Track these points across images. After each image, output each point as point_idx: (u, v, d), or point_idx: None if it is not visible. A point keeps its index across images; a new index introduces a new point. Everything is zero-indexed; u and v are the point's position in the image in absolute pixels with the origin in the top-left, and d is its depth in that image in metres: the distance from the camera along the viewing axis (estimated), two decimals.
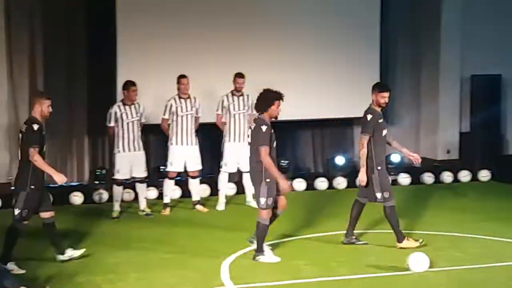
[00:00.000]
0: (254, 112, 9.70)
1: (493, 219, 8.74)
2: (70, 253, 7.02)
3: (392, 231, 7.37)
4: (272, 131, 7.05)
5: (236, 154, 9.69)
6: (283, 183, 6.99)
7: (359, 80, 11.65)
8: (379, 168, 7.28)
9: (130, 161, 9.17)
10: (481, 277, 6.44)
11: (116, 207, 9.25)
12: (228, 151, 9.71)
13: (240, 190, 10.36)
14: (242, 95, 9.74)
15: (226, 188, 10.03)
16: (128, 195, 9.97)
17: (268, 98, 7.02)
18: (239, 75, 9.72)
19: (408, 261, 6.60)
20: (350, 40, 11.79)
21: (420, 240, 7.33)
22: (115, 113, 9.09)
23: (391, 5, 12.28)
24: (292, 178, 11.27)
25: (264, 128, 6.94)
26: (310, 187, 11.29)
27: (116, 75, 10.58)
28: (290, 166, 11.68)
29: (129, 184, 9.67)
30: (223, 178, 9.84)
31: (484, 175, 11.67)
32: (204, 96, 10.06)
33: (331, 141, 12.48)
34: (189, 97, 9.48)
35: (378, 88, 7.51)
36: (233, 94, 9.72)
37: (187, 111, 9.43)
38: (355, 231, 7.58)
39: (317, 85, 11.62)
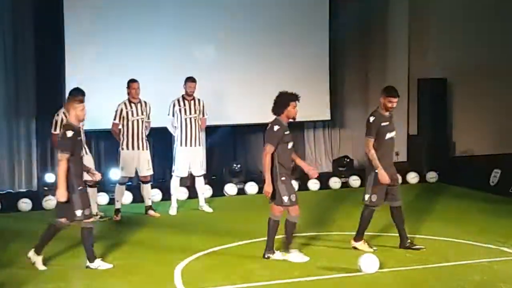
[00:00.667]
0: (206, 116, 9.84)
1: (441, 220, 8.96)
2: (99, 263, 6.96)
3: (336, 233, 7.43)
4: (287, 132, 7.07)
5: (187, 158, 9.67)
6: (267, 184, 7.05)
7: (310, 85, 11.83)
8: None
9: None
10: (428, 277, 6.58)
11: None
12: (179, 156, 9.67)
13: (192, 194, 10.34)
14: (193, 99, 9.73)
15: (178, 192, 10.00)
16: None
17: (284, 100, 7.14)
18: (191, 79, 9.71)
19: (359, 262, 6.70)
20: (300, 46, 11.95)
21: (375, 248, 7.43)
22: (62, 120, 8.93)
23: (340, 11, 12.48)
24: (244, 182, 11.33)
25: (276, 128, 7.05)
26: (262, 190, 11.28)
27: (65, 81, 10.48)
28: (243, 170, 11.72)
29: None
30: (175, 183, 9.80)
31: (432, 176, 11.94)
32: (155, 101, 10.01)
33: None
34: (139, 102, 9.42)
35: (386, 92, 7.48)
36: (184, 99, 9.69)
37: (137, 115, 9.36)
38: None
39: (268, 89, 11.64)
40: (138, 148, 9.38)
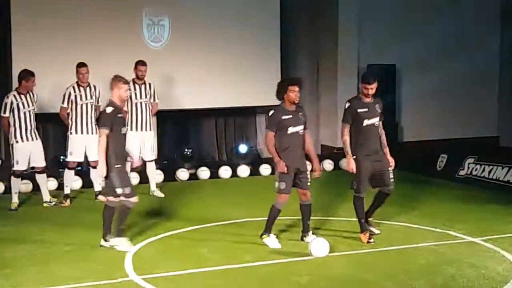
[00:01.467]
0: (157, 101, 9.77)
1: (389, 204, 8.98)
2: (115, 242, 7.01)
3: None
4: (285, 117, 7.00)
5: (138, 143, 9.59)
6: (278, 166, 7.01)
7: (261, 70, 11.88)
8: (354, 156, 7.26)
9: (28, 151, 8.88)
10: (377, 260, 6.71)
11: (15, 199, 8.95)
12: (130, 140, 9.52)
13: (144, 180, 10.26)
14: (144, 83, 9.63)
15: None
16: (26, 186, 9.67)
17: (283, 85, 7.16)
18: (141, 63, 9.62)
19: (310, 246, 6.79)
20: (252, 31, 11.96)
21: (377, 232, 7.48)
22: (11, 102, 8.76)
23: None
24: (197, 167, 11.30)
25: (270, 113, 7.10)
26: (214, 175, 11.34)
27: (11, 64, 10.24)
28: (195, 155, 11.69)
29: (26, 175, 9.37)
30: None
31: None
32: (106, 84, 9.85)
33: (234, 129, 12.59)
34: (88, 85, 9.27)
35: (362, 78, 7.49)
36: (134, 83, 9.59)
37: (86, 99, 9.21)
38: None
39: (220, 74, 11.70)
40: (88, 133, 9.25)
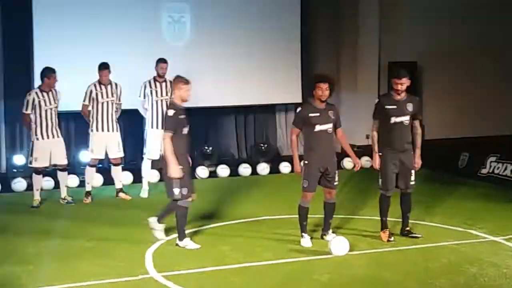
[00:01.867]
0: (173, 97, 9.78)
1: (413, 203, 9.04)
2: (187, 242, 7.08)
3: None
4: (313, 114, 6.98)
5: (158, 141, 9.60)
6: (295, 164, 7.09)
7: (281, 68, 11.89)
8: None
9: (49, 148, 8.95)
10: (397, 259, 6.67)
11: (36, 196, 9.03)
12: (150, 138, 9.62)
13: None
14: (165, 81, 9.66)
15: (149, 175, 9.96)
16: (48, 183, 9.76)
17: (311, 82, 7.17)
18: (162, 61, 9.65)
19: (330, 245, 6.77)
20: (273, 29, 11.95)
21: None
22: (33, 100, 8.84)
23: None
24: (216, 165, 11.33)
25: (298, 109, 7.20)
26: (234, 173, 11.35)
27: (33, 62, 10.34)
28: (215, 153, 11.71)
29: (49, 172, 9.46)
30: (146, 165, 9.77)
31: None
32: (127, 83, 9.93)
33: (254, 127, 12.59)
34: (110, 83, 9.32)
35: (394, 73, 7.36)
36: (155, 80, 9.62)
37: (107, 97, 9.27)
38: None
39: (240, 72, 11.72)
40: (108, 130, 9.31)
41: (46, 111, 8.87)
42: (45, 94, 8.88)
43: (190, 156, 11.55)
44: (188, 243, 7.04)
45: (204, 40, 11.53)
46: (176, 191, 6.96)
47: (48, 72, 8.88)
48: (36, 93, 8.89)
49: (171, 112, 6.96)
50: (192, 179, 7.27)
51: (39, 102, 8.84)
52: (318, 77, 7.24)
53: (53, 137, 8.98)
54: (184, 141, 7.04)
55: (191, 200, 7.13)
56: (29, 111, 8.87)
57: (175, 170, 6.89)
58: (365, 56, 12.65)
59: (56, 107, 9.01)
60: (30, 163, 9.03)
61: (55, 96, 8.98)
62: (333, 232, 7.27)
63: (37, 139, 8.90)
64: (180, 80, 7.12)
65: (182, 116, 7.02)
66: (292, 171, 11.27)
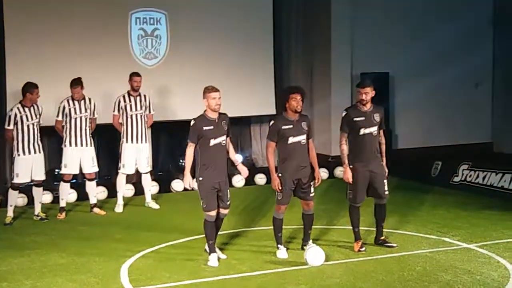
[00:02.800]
0: (152, 112, 9.79)
1: (387, 212, 9.12)
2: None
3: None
4: (286, 127, 7.00)
5: (134, 155, 9.61)
6: (272, 179, 7.06)
7: (255, 80, 11.94)
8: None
9: (30, 164, 8.88)
10: (372, 268, 6.71)
11: (10, 212, 8.94)
12: (126, 153, 9.59)
13: (139, 191, 10.27)
14: (139, 95, 9.65)
15: (124, 190, 9.92)
16: (21, 200, 9.66)
17: (284, 94, 7.15)
18: (136, 74, 9.66)
19: (305, 255, 6.80)
20: (245, 42, 12.00)
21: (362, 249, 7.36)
22: (15, 115, 8.77)
23: (284, 3, 12.58)
24: (192, 177, 11.28)
25: (271, 122, 7.15)
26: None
27: (5, 78, 10.26)
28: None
29: (22, 188, 9.36)
30: (121, 180, 9.72)
31: None
32: (100, 97, 9.90)
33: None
34: (83, 99, 9.27)
35: (357, 84, 7.46)
36: (129, 95, 9.61)
37: (81, 112, 9.22)
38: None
39: (213, 85, 11.69)
40: (82, 145, 9.25)
41: (28, 126, 8.81)
42: (26, 109, 8.83)
43: (168, 170, 11.61)
44: (210, 259, 6.89)
45: (178, 52, 11.54)
46: (201, 202, 6.93)
47: (30, 87, 8.82)
48: (18, 108, 8.82)
49: (192, 122, 6.93)
50: (224, 194, 7.00)
51: (21, 117, 8.77)
52: (292, 88, 7.30)
53: (35, 152, 8.91)
54: (211, 153, 6.86)
55: (214, 215, 6.96)
56: (11, 127, 8.79)
57: (185, 180, 6.93)
58: (337, 67, 12.74)
59: (38, 122, 8.95)
60: (12, 179, 8.94)
61: (37, 111, 8.92)
62: (312, 243, 7.28)
63: (19, 154, 8.82)
64: (206, 88, 7.06)
65: (208, 128, 6.87)
66: (267, 182, 11.32)
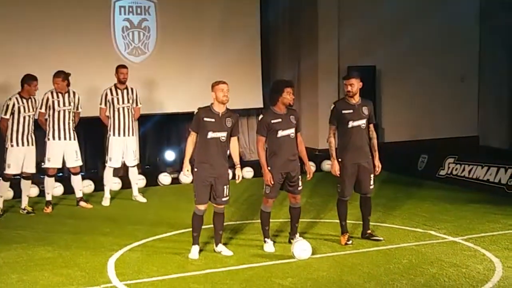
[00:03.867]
0: (139, 105, 9.75)
1: (373, 205, 9.15)
2: (221, 248, 7.01)
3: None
4: (276, 120, 6.97)
5: (121, 148, 9.57)
6: (264, 174, 7.02)
7: (242, 73, 11.94)
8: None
9: (23, 155, 8.83)
10: (359, 261, 6.75)
11: (0, 204, 8.88)
12: (112, 146, 9.55)
13: (126, 185, 10.24)
14: (126, 88, 9.61)
15: (111, 183, 9.89)
16: (8, 193, 9.59)
17: (278, 87, 7.08)
18: (122, 66, 9.61)
19: (292, 249, 6.82)
20: (231, 34, 11.97)
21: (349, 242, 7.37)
22: (13, 105, 8.72)
23: (271, 1, 12.57)
24: (178, 171, 11.28)
25: (260, 117, 7.12)
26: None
27: None
28: (177, 159, 11.65)
29: (13, 180, 9.29)
30: (108, 173, 9.69)
31: None
32: (85, 91, 9.85)
33: None
34: (67, 92, 9.20)
35: (343, 76, 7.48)
36: (116, 88, 9.56)
37: (64, 105, 9.14)
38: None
39: (201, 78, 11.58)
40: (65, 139, 9.17)
41: (24, 117, 8.77)
42: (24, 100, 8.78)
43: (155, 163, 11.57)
44: (191, 251, 6.91)
45: (166, 45, 11.50)
46: (194, 193, 6.93)
47: (29, 79, 8.78)
48: (16, 98, 8.77)
49: (195, 111, 6.91)
50: (219, 188, 6.93)
51: (19, 108, 8.73)
52: (287, 82, 7.25)
53: (28, 144, 8.87)
54: (207, 146, 6.82)
55: (203, 209, 6.95)
56: (7, 116, 8.74)
57: (184, 168, 6.95)
58: (324, 61, 12.75)
59: (34, 114, 8.90)
60: (4, 169, 8.90)
61: (34, 103, 8.88)
62: (299, 236, 7.30)
63: (12, 145, 8.79)
64: (214, 82, 7.06)
65: (209, 119, 6.82)
66: (255, 176, 11.33)
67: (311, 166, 7.34)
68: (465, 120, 13.95)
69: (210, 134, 6.81)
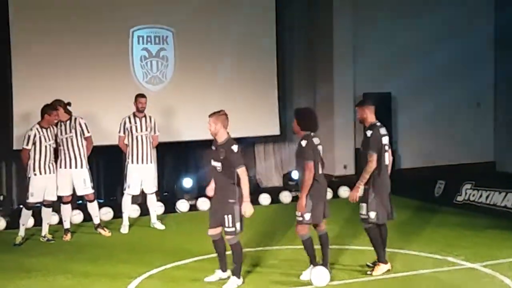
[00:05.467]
0: (157, 133, 9.86)
1: (390, 232, 9.11)
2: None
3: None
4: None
5: (139, 176, 9.67)
6: (300, 204, 7.06)
7: (260, 101, 12.05)
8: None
9: (45, 184, 8.97)
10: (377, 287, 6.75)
11: (21, 232, 8.99)
12: (131, 173, 9.65)
13: (144, 212, 10.32)
14: (144, 116, 9.73)
15: (129, 210, 9.97)
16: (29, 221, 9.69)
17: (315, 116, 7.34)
18: (141, 95, 9.73)
19: (310, 276, 6.84)
20: (250, 63, 12.13)
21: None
22: (34, 135, 8.87)
23: (286, 24, 12.73)
24: (196, 198, 11.34)
25: (304, 143, 7.16)
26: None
27: (12, 99, 10.37)
28: (195, 186, 11.70)
29: (35, 208, 9.39)
30: (126, 201, 9.78)
31: None
32: (104, 119, 9.98)
33: None
34: (69, 119, 9.21)
35: None
36: (135, 116, 9.70)
37: (66, 133, 9.17)
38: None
39: (218, 106, 11.62)
40: (71, 167, 9.23)
41: (45, 147, 8.90)
42: (44, 130, 8.94)
43: (173, 191, 11.60)
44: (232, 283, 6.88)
45: (183, 74, 11.64)
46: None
47: (49, 109, 8.93)
48: (37, 128, 8.93)
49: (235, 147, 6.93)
50: (223, 216, 6.88)
51: (40, 138, 8.87)
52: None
53: (49, 172, 9.00)
54: (214, 173, 6.98)
55: (211, 233, 7.01)
56: (29, 147, 8.89)
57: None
58: (340, 88, 12.85)
59: (54, 143, 9.05)
60: (27, 198, 9.02)
61: (52, 132, 9.03)
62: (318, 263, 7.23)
63: (35, 174, 8.91)
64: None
65: (213, 148, 7.04)
66: (272, 202, 11.38)
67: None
68: (481, 145, 13.93)
69: (212, 163, 6.99)
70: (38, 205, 9.15)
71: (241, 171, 6.82)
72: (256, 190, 12.04)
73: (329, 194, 11.65)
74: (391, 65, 13.01)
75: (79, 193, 9.39)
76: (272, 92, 12.34)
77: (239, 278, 6.89)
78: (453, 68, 13.50)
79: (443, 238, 8.83)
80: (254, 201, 11.34)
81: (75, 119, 9.31)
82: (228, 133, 7.05)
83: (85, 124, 9.30)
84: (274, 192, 11.69)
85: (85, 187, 9.34)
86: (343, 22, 12.82)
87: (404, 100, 13.26)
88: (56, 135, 9.17)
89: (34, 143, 8.87)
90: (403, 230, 9.18)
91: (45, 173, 8.94)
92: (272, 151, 13.04)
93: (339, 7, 12.79)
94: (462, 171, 12.89)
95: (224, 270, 7.06)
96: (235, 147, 6.88)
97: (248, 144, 12.62)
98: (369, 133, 7.26)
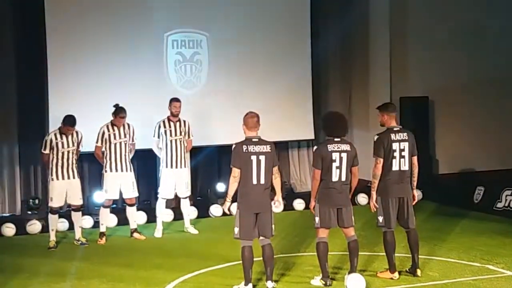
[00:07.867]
0: (191, 137, 9.85)
1: (425, 238, 8.93)
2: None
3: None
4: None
5: (173, 180, 9.66)
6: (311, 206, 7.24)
7: (294, 105, 11.96)
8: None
9: (65, 188, 9.02)
10: None
11: (52, 236, 9.06)
12: (165, 178, 9.65)
13: (178, 216, 10.30)
14: (178, 120, 9.73)
15: (163, 214, 9.97)
16: (62, 224, 9.77)
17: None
18: (175, 99, 9.73)
19: (346, 282, 6.72)
20: (283, 67, 12.02)
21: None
22: (51, 141, 8.95)
23: (321, 30, 12.61)
24: (230, 202, 11.25)
25: (315, 148, 7.42)
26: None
27: (48, 107, 10.47)
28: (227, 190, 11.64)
29: (63, 213, 9.49)
30: (160, 205, 9.78)
31: (416, 194, 11.95)
32: (140, 123, 10.00)
33: None
34: (123, 125, 9.36)
35: None
36: (169, 120, 9.70)
37: (120, 138, 9.32)
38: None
39: (252, 110, 11.74)
40: (122, 170, 9.34)
41: (63, 153, 8.96)
42: (64, 136, 9.00)
43: (206, 195, 11.60)
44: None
45: (217, 78, 11.62)
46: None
47: (68, 122, 8.96)
48: (55, 134, 9.00)
49: (233, 146, 6.99)
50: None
51: (57, 143, 8.94)
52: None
53: (69, 178, 9.04)
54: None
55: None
56: (47, 151, 8.97)
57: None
58: (376, 92, 12.69)
59: (76, 149, 9.10)
60: (47, 202, 9.11)
61: (75, 138, 9.06)
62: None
63: (52, 179, 9.00)
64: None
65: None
66: (306, 208, 11.25)
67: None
68: None
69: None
70: (63, 209, 9.23)
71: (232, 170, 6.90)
72: (290, 195, 11.95)
73: (364, 199, 11.58)
74: (429, 69, 12.80)
75: (126, 196, 9.45)
76: (307, 96, 12.21)
77: (246, 285, 6.79)
78: (493, 72, 13.21)
79: (483, 245, 8.62)
80: (288, 206, 11.35)
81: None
82: (247, 134, 7.17)
83: (133, 130, 9.45)
84: (309, 197, 11.52)
85: (133, 190, 9.44)
86: (380, 24, 12.66)
87: (441, 104, 13.03)
88: (105, 140, 9.22)
89: (52, 148, 8.93)
90: (441, 237, 9.00)
91: (63, 178, 8.98)
92: (306, 155, 12.91)
93: (375, 10, 12.60)
94: (502, 177, 12.59)
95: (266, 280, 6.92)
96: (233, 146, 7.00)
97: (282, 148, 12.54)
98: (375, 137, 7.42)
